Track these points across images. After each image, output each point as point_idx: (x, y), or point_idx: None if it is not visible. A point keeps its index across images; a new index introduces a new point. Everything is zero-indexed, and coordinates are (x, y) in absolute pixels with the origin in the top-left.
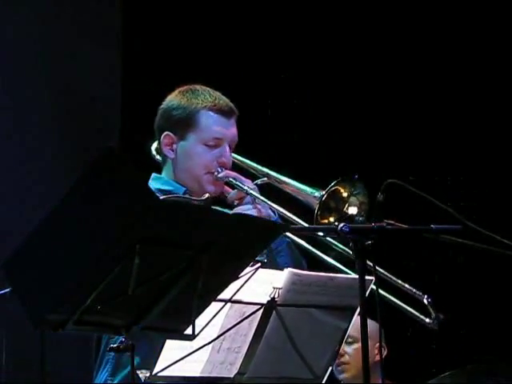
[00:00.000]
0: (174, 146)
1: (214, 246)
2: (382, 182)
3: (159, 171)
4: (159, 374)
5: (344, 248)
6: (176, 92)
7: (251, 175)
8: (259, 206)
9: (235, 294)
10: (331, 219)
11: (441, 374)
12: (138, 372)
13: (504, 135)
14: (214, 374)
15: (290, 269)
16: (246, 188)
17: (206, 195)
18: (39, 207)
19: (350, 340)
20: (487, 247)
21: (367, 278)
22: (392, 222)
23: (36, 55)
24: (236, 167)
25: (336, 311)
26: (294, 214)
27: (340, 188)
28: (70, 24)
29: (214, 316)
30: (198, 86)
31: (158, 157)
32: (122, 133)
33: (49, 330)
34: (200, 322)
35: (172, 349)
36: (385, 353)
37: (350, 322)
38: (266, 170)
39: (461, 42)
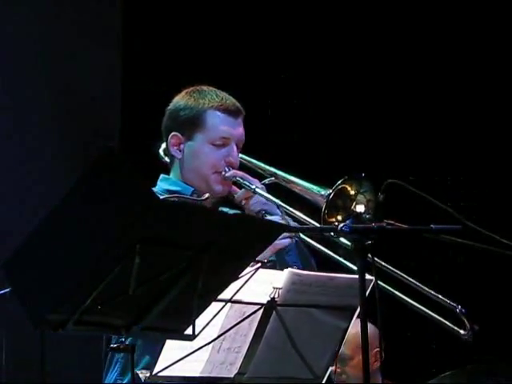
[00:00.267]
0: (182, 146)
1: (213, 246)
2: (382, 181)
3: (160, 171)
4: (159, 374)
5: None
6: (183, 93)
7: (258, 175)
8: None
9: (235, 294)
10: (339, 217)
11: (441, 374)
12: (139, 372)
13: (504, 135)
14: (214, 374)
15: (289, 269)
16: (253, 187)
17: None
18: (39, 207)
19: (345, 357)
20: (487, 247)
21: (367, 277)
22: (392, 221)
23: (36, 55)
24: (243, 167)
25: (336, 311)
26: (302, 213)
27: (347, 186)
28: (70, 24)
29: (214, 316)
30: (204, 87)
31: (166, 158)
32: (122, 133)
33: (49, 330)
34: (200, 322)
35: (172, 349)
36: (378, 364)
37: (349, 322)
38: (273, 169)
39: (461, 42)
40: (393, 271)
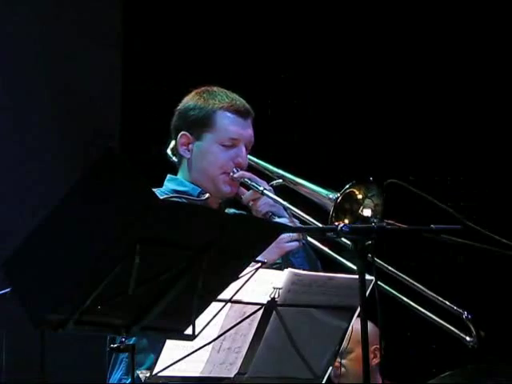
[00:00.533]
0: (190, 145)
1: (213, 246)
2: (382, 181)
3: (160, 171)
4: (159, 374)
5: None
6: (193, 93)
7: (266, 177)
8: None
9: (235, 294)
10: (346, 221)
11: (441, 374)
12: (139, 372)
13: (504, 135)
14: (214, 374)
15: (289, 269)
16: (261, 189)
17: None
18: (39, 207)
19: (344, 350)
20: (487, 247)
21: (367, 278)
22: (392, 221)
23: (36, 55)
24: (251, 168)
25: (336, 311)
26: (310, 216)
27: (355, 190)
28: (70, 24)
29: (215, 316)
30: (214, 88)
31: (173, 158)
32: (122, 133)
33: (49, 330)
34: (200, 322)
35: (172, 349)
36: (377, 360)
37: (350, 322)
38: (281, 171)
39: (461, 42)
40: (398, 275)
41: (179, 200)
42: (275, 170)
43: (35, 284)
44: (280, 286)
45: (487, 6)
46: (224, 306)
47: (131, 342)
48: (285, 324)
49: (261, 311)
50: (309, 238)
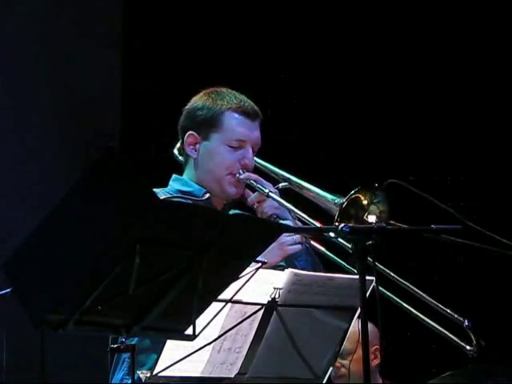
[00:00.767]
0: (197, 145)
1: (214, 246)
2: (382, 181)
3: (160, 171)
4: (160, 374)
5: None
6: (201, 93)
7: (272, 179)
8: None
9: (236, 294)
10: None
11: (441, 374)
12: (139, 372)
13: (504, 135)
14: (214, 375)
15: (290, 269)
16: (266, 191)
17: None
18: (39, 207)
19: (345, 351)
20: (487, 247)
21: (368, 278)
22: (392, 221)
23: (36, 55)
24: (257, 171)
25: (336, 311)
26: (314, 220)
27: (360, 196)
28: (70, 24)
29: (215, 316)
30: (223, 88)
31: (180, 158)
32: (122, 133)
33: (49, 330)
34: (201, 322)
35: (172, 349)
36: (377, 361)
37: (350, 322)
38: (287, 174)
39: (461, 42)
40: (399, 281)
41: (180, 200)
42: (281, 172)
43: (35, 284)
44: (280, 287)
45: (487, 6)
46: (224, 306)
47: (133, 342)
48: (285, 324)
49: (261, 311)
50: (313, 243)
